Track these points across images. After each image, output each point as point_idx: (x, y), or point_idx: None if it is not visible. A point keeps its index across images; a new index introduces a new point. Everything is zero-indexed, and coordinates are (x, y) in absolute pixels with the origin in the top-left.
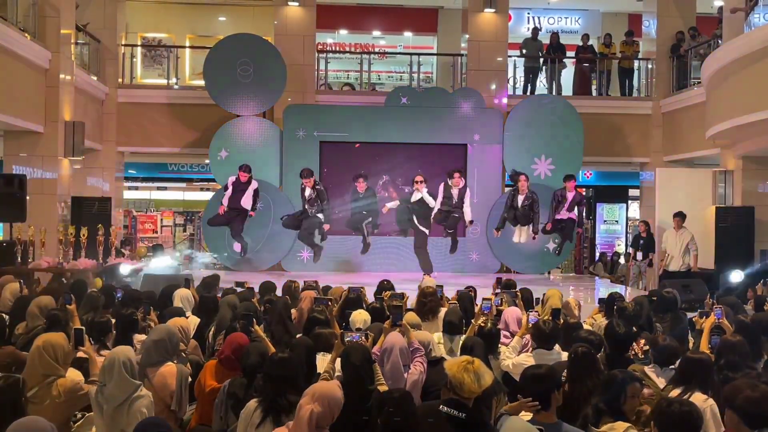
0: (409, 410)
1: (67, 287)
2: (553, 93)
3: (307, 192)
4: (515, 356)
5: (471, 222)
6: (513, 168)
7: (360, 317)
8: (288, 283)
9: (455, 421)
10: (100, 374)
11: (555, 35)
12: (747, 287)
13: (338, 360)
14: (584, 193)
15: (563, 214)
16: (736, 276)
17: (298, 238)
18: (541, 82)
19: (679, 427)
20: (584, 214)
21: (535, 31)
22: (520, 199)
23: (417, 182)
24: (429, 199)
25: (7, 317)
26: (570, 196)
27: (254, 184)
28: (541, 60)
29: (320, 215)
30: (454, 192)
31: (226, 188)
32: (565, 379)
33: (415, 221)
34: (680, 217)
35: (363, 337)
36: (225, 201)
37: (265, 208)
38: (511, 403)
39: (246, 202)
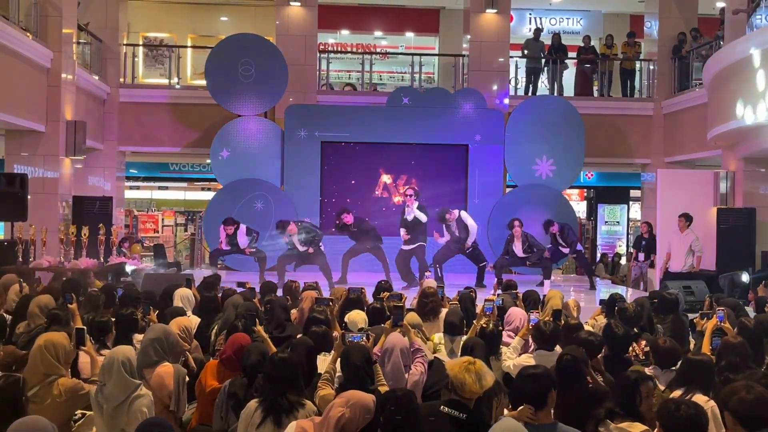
0: (411, 409)
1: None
2: (555, 94)
3: (301, 239)
4: (516, 357)
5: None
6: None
7: (359, 317)
8: (288, 283)
9: (456, 421)
10: (100, 374)
11: (557, 36)
12: (748, 289)
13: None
14: (564, 226)
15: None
16: (746, 276)
17: (277, 260)
18: (543, 83)
19: (687, 431)
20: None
21: (537, 31)
22: (519, 247)
23: (408, 196)
24: (420, 215)
25: (8, 317)
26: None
27: (242, 229)
28: (543, 61)
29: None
30: (453, 225)
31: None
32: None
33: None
34: (686, 218)
35: (364, 338)
36: (222, 238)
37: (266, 209)
38: (511, 403)
39: (242, 241)
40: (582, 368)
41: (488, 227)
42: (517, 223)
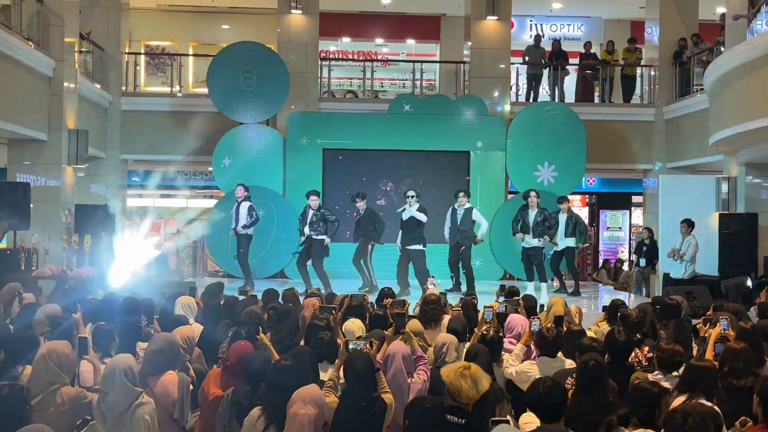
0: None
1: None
2: (556, 100)
3: (310, 214)
4: (518, 363)
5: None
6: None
7: (355, 326)
8: (286, 291)
9: (456, 427)
10: (102, 383)
11: (557, 42)
12: (751, 294)
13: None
14: (578, 215)
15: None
16: (750, 281)
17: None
18: (544, 89)
19: None
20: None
21: (538, 38)
22: (532, 215)
23: (409, 197)
24: (420, 216)
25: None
26: (563, 218)
27: (246, 204)
28: (543, 65)
29: (324, 237)
30: (460, 212)
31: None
32: (571, 387)
33: (404, 245)
34: (687, 223)
35: (367, 345)
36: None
37: (267, 216)
38: (515, 410)
39: (242, 215)
40: (605, 375)
41: (490, 234)
42: (533, 193)
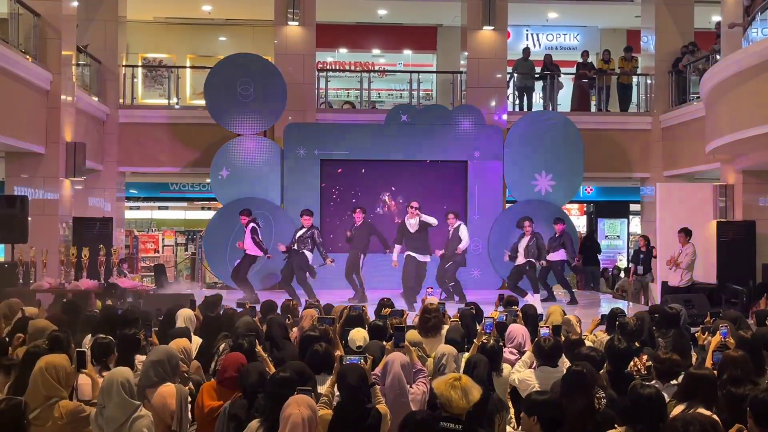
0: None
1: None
2: (550, 109)
3: (301, 231)
4: (524, 370)
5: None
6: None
7: (358, 335)
8: (286, 302)
9: None
10: (99, 396)
11: (548, 56)
12: (749, 301)
13: None
14: (566, 231)
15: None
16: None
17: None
18: (539, 98)
19: None
20: (571, 249)
21: (527, 51)
22: (524, 241)
23: (412, 208)
24: (430, 219)
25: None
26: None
27: (250, 226)
28: (534, 79)
29: (308, 252)
30: (450, 231)
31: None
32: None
33: (414, 254)
34: (685, 233)
35: (362, 360)
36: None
37: (266, 227)
38: (517, 418)
39: (248, 245)
40: (587, 383)
41: (488, 243)
42: (527, 223)
